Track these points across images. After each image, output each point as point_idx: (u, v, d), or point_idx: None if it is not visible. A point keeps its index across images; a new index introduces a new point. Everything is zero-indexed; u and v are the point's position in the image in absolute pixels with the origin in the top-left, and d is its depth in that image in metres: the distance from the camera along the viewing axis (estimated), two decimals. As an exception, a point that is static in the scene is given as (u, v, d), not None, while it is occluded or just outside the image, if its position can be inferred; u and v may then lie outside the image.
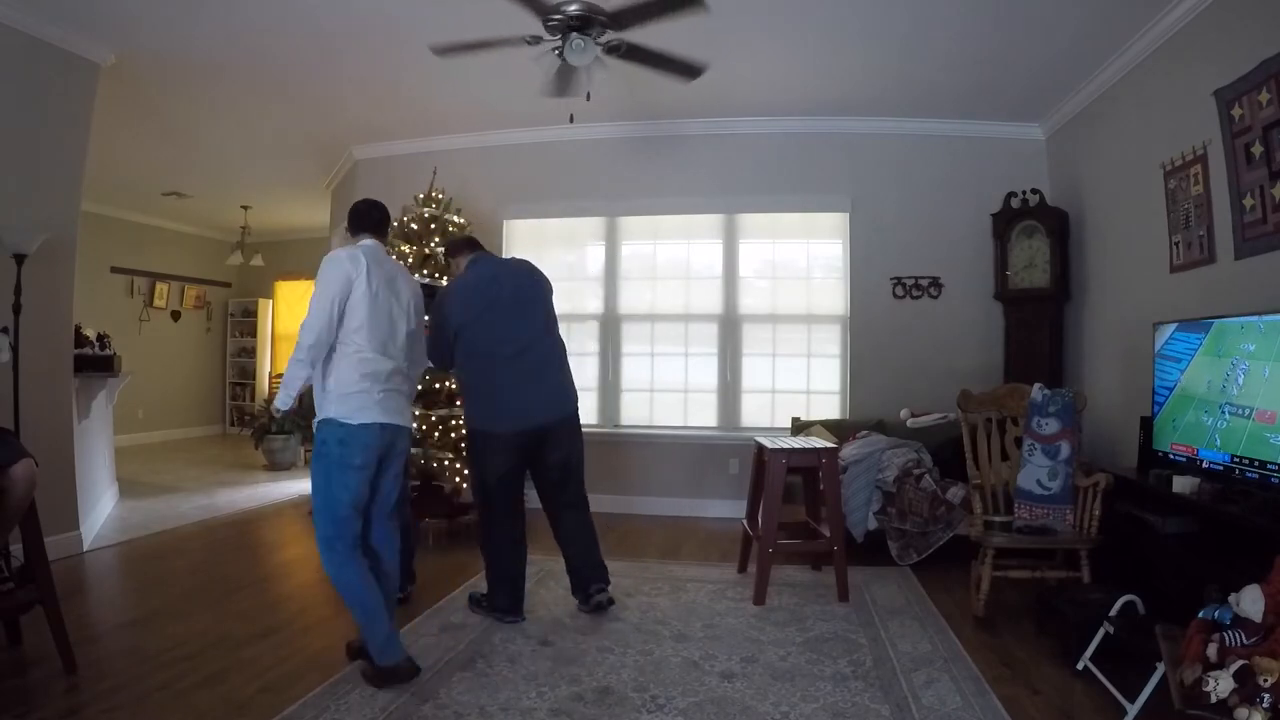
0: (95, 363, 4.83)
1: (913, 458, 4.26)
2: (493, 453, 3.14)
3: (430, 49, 3.56)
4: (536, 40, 3.45)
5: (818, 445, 3.77)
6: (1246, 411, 2.78)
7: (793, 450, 3.66)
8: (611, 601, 3.34)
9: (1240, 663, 1.81)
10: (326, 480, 2.55)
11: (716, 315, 5.69)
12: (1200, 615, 2.02)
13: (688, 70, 3.68)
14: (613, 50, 3.50)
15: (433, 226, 4.91)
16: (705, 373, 5.71)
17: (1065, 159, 5.05)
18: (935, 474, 4.21)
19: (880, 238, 5.42)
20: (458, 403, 4.72)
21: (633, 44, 3.48)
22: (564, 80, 3.72)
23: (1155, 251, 3.84)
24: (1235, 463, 2.80)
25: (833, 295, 5.60)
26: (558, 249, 5.99)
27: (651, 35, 3.42)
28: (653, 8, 3.21)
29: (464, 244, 3.42)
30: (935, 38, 4.08)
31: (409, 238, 4.90)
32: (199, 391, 9.98)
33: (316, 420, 2.61)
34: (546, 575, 3.88)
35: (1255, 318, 2.77)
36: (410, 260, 4.79)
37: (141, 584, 3.81)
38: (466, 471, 3.67)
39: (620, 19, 3.33)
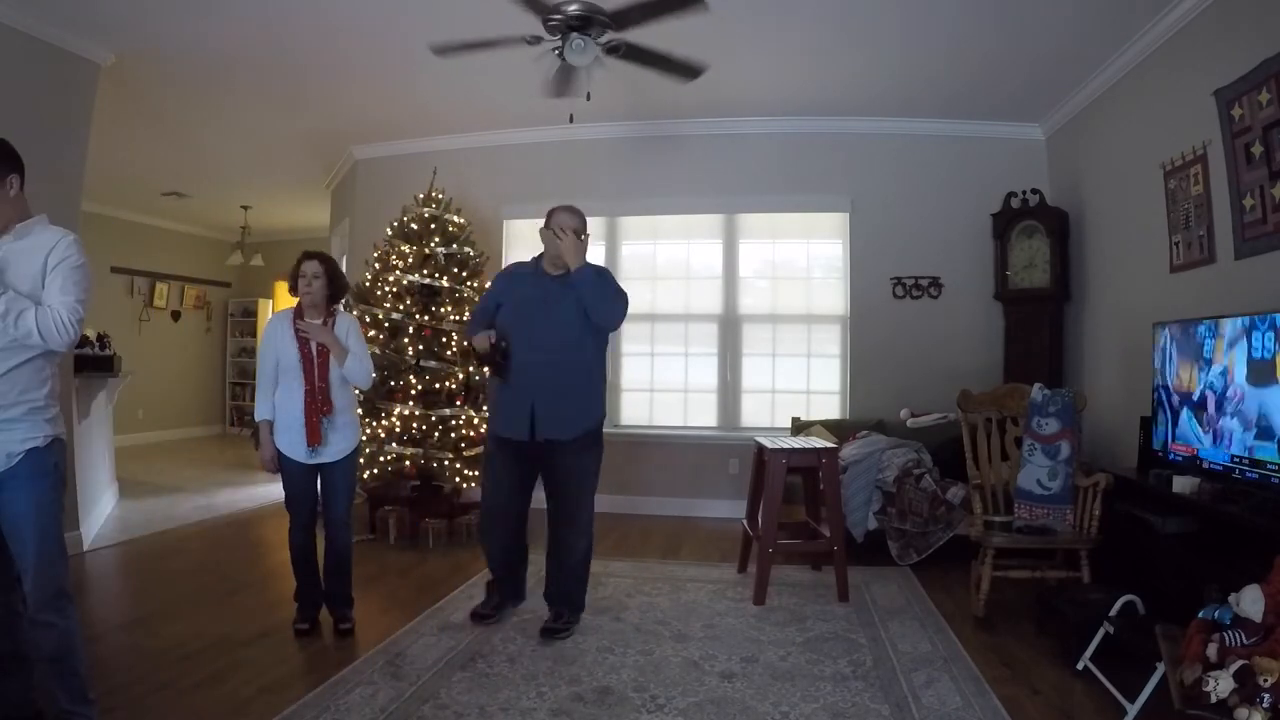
0: (95, 363, 4.84)
1: (913, 458, 4.26)
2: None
3: (430, 48, 3.56)
4: (536, 40, 3.45)
5: (818, 445, 3.77)
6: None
7: (793, 450, 3.67)
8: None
9: (1240, 663, 1.81)
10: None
11: (716, 315, 5.69)
12: (1200, 615, 2.02)
13: (688, 71, 3.68)
14: (613, 51, 3.51)
15: (433, 226, 4.91)
16: (705, 373, 5.71)
17: (1065, 159, 5.05)
18: (935, 474, 4.21)
19: (880, 238, 5.42)
20: (458, 402, 4.72)
21: (633, 44, 3.49)
22: (564, 80, 3.72)
23: (1155, 251, 3.84)
24: (1235, 463, 2.80)
25: (833, 295, 5.59)
26: (558, 249, 5.98)
27: (652, 36, 3.42)
28: (653, 7, 3.21)
29: None
30: (935, 38, 4.08)
31: (409, 238, 4.89)
32: (199, 391, 9.98)
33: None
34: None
35: (1249, 318, 2.78)
36: (410, 260, 4.79)
37: (141, 584, 3.81)
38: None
39: (621, 18, 3.33)
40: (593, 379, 3.19)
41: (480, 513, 3.34)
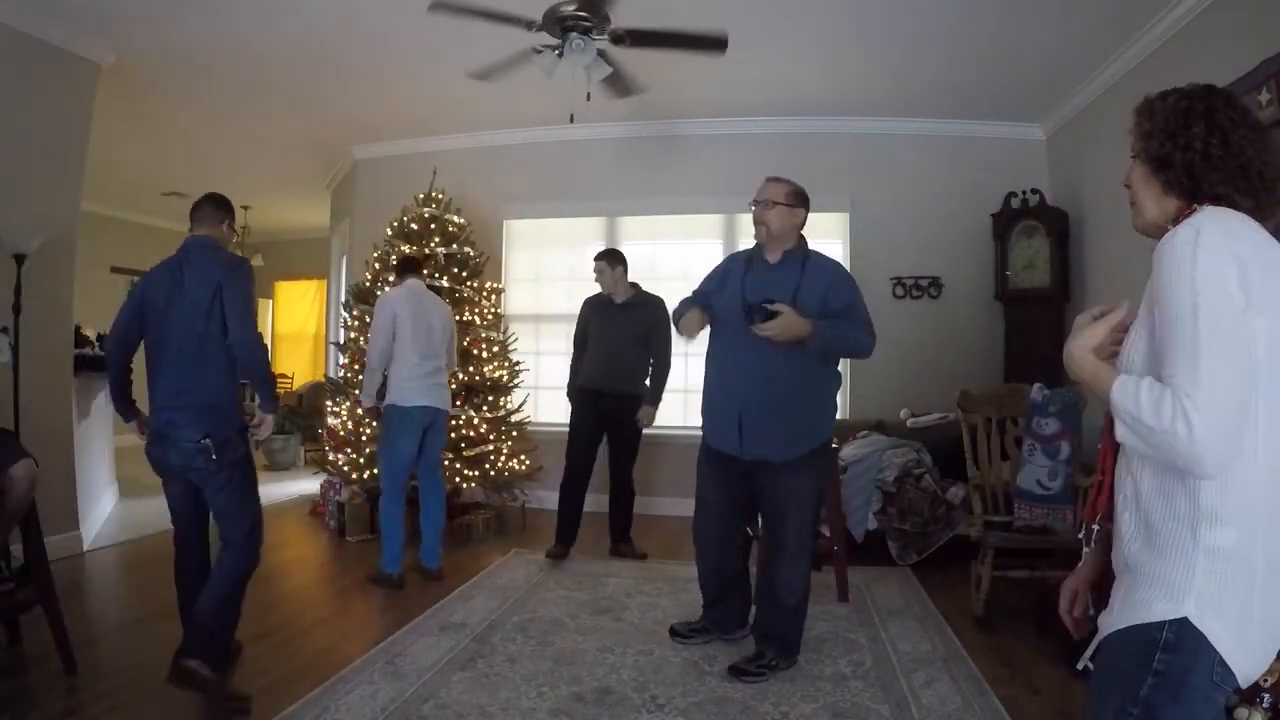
0: (95, 363, 4.82)
1: (913, 458, 4.26)
2: None
3: (429, 6, 3.34)
4: (539, 29, 3.40)
5: (818, 445, 3.77)
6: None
7: (793, 450, 3.65)
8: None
9: (1240, 663, 1.81)
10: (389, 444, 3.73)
11: (716, 315, 5.67)
12: (1200, 615, 2.01)
13: (711, 43, 3.43)
14: (619, 40, 3.41)
15: (432, 226, 4.91)
16: (705, 373, 5.69)
17: (1065, 159, 5.05)
18: (935, 474, 4.21)
19: (880, 238, 5.42)
20: (458, 402, 4.72)
21: (641, 30, 3.37)
22: (504, 66, 3.64)
23: (1155, 251, 3.83)
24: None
25: (833, 295, 5.57)
26: (558, 249, 5.99)
27: (656, 22, 3.38)
28: (672, 40, 3.17)
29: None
30: (935, 38, 4.08)
31: (409, 238, 4.89)
32: (199, 391, 9.95)
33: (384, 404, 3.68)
34: (546, 575, 3.88)
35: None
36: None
37: (141, 584, 3.80)
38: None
39: (636, 38, 3.32)
40: (817, 393, 2.78)
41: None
